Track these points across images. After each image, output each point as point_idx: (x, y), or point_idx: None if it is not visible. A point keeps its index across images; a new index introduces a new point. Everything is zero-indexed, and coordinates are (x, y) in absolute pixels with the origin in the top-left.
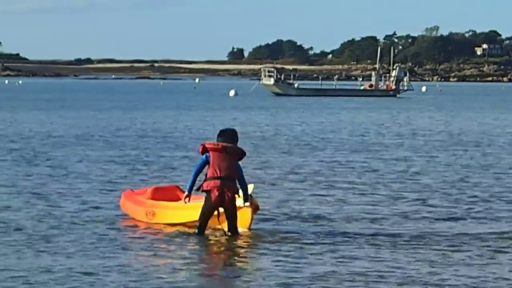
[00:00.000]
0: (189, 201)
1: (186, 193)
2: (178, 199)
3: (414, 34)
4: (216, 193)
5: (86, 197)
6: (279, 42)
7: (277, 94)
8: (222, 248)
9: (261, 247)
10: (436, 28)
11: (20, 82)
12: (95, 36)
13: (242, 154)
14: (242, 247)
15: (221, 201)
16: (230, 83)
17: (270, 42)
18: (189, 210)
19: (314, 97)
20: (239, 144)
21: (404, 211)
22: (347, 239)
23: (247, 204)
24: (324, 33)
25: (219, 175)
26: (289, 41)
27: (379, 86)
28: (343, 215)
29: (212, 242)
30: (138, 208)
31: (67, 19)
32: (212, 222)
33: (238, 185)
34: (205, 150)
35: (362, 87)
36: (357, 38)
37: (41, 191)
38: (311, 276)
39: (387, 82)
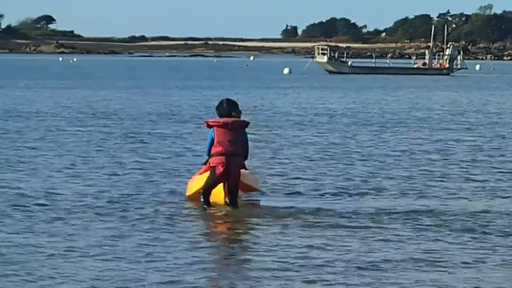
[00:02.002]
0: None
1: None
2: None
3: (468, 12)
4: (221, 169)
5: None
6: (332, 20)
7: (331, 72)
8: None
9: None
10: (490, 6)
11: (75, 59)
12: (149, 13)
13: (245, 126)
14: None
15: (226, 177)
16: (284, 61)
17: (323, 20)
18: (197, 181)
19: (368, 75)
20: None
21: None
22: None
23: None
24: (378, 11)
25: (223, 151)
26: (342, 19)
27: (433, 64)
28: (449, 191)
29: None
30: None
31: None
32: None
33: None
34: (210, 125)
35: (415, 66)
36: (411, 16)
37: (152, 170)
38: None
39: (440, 61)
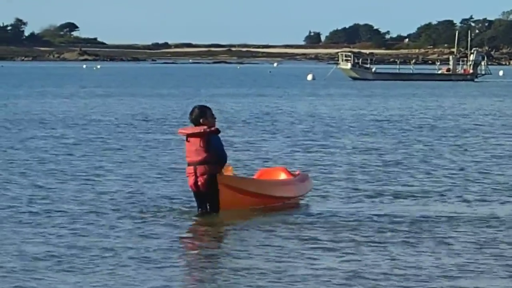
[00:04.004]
0: None
1: None
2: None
3: (491, 18)
4: (191, 180)
5: None
6: (355, 26)
7: (354, 79)
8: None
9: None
10: None
11: (99, 66)
12: (172, 20)
13: (212, 132)
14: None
15: (196, 187)
16: (307, 68)
17: (347, 26)
18: None
19: (391, 81)
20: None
21: None
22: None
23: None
24: (401, 17)
25: (189, 161)
26: (366, 25)
27: (457, 70)
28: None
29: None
30: None
31: (144, 3)
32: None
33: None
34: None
35: (439, 71)
36: (434, 22)
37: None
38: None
39: (464, 66)
